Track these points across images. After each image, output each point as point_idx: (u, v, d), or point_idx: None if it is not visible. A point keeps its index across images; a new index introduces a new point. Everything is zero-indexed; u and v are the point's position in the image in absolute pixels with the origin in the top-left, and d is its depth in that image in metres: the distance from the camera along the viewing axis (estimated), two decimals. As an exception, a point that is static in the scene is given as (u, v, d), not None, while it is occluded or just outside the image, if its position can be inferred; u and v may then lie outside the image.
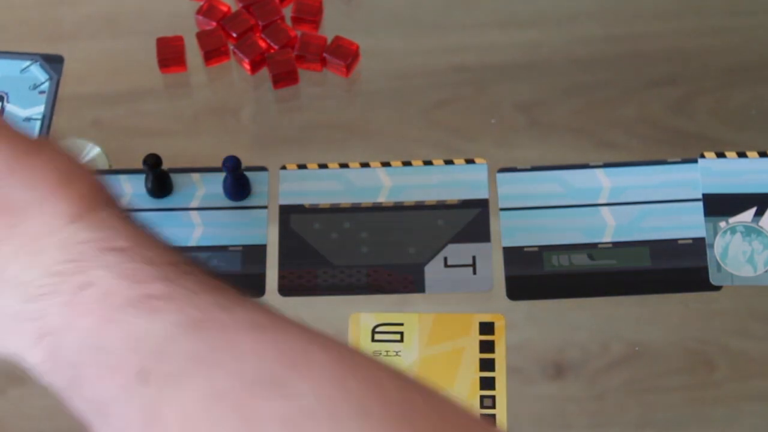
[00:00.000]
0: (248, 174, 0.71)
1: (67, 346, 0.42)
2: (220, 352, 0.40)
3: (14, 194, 0.44)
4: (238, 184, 0.71)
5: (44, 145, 0.46)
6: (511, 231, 0.70)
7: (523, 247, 0.70)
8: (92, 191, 0.45)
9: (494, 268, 0.70)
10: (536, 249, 0.70)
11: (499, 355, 0.67)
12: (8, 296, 0.43)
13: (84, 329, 0.41)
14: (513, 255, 0.70)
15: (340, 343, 0.42)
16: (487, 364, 0.67)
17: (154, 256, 0.43)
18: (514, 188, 0.72)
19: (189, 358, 0.40)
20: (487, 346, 0.68)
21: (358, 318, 0.69)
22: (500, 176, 0.72)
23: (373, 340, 0.68)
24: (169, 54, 0.76)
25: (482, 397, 0.66)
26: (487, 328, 0.68)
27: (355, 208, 0.72)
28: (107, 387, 0.41)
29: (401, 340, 0.68)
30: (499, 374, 0.67)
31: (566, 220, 0.70)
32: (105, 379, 0.41)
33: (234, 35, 0.77)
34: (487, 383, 0.67)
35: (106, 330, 0.41)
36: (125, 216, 0.45)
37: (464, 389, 0.67)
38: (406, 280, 0.70)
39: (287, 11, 0.78)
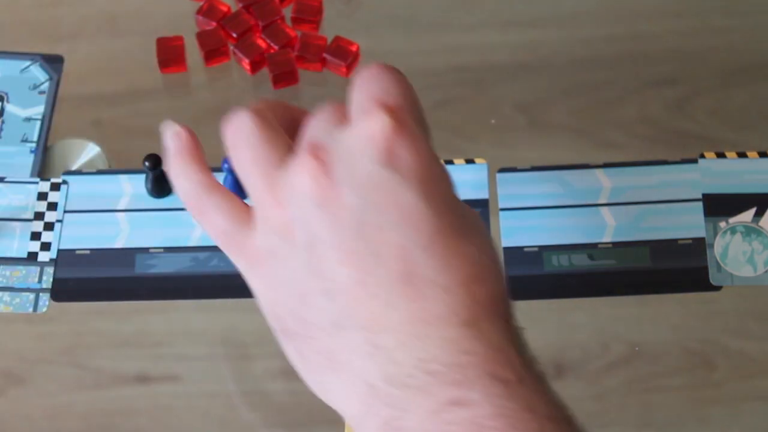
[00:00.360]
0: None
1: None
2: None
3: (423, 270, 0.40)
4: (238, 184, 0.70)
5: (474, 229, 0.43)
6: (511, 231, 0.70)
7: (523, 247, 0.70)
8: (497, 296, 0.42)
9: (494, 268, 0.70)
10: (536, 249, 0.70)
11: (499, 355, 0.67)
12: (371, 363, 0.40)
13: None
14: (513, 255, 0.70)
15: None
16: (487, 364, 0.67)
17: (537, 401, 0.39)
18: (513, 188, 0.72)
19: None
20: (487, 346, 0.67)
21: (358, 318, 0.68)
22: (500, 176, 0.72)
23: (373, 340, 0.68)
24: (169, 54, 0.76)
25: (482, 397, 0.66)
26: (487, 328, 0.68)
27: (355, 208, 0.71)
28: None
29: (401, 340, 0.68)
30: (499, 374, 0.67)
31: (566, 220, 0.70)
32: None
33: (234, 35, 0.77)
34: (487, 383, 0.67)
35: None
36: (516, 334, 0.42)
37: (464, 389, 0.66)
38: (406, 280, 0.69)
39: (287, 11, 0.78)
